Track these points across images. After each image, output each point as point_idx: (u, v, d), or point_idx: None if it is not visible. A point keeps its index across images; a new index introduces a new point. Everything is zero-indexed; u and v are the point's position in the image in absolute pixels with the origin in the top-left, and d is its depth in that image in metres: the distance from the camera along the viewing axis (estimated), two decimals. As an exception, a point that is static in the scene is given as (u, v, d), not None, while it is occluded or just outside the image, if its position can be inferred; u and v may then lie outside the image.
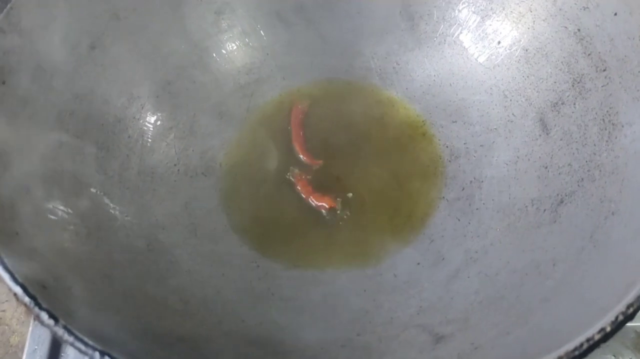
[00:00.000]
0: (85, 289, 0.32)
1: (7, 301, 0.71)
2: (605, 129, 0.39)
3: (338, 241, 0.44)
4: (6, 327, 0.69)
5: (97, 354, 0.26)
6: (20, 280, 0.28)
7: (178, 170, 0.47)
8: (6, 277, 0.28)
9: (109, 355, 0.26)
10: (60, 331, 0.27)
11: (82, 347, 0.26)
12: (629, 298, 0.27)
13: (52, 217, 0.35)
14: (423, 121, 0.50)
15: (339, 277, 0.42)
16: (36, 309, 0.27)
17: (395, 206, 0.46)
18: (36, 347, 0.45)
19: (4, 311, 0.69)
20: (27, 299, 0.27)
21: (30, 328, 0.45)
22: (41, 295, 0.28)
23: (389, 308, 0.39)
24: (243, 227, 0.45)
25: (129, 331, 0.31)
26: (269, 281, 0.42)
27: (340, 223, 0.45)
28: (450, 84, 0.50)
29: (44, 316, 0.27)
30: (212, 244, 0.44)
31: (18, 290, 0.28)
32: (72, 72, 0.42)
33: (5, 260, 0.29)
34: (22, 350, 0.67)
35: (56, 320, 0.27)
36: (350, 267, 0.43)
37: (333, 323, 0.39)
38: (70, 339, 0.27)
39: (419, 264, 0.42)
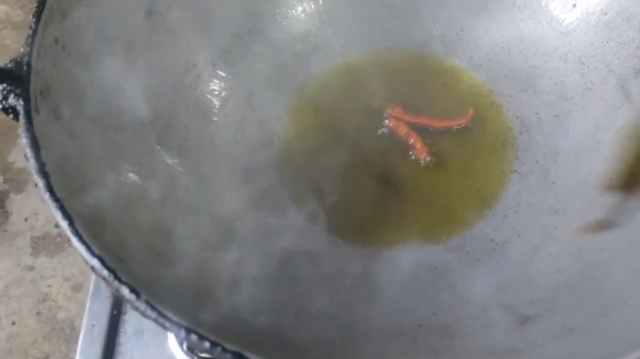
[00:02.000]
0: (156, 262, 0.31)
1: (52, 276, 0.70)
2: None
3: (406, 217, 0.42)
4: (52, 303, 0.69)
5: (182, 331, 0.25)
6: (97, 252, 0.26)
7: (236, 141, 0.45)
8: (82, 249, 0.27)
9: (195, 332, 0.25)
10: (142, 306, 0.25)
11: (166, 323, 0.25)
12: None
13: (119, 189, 0.34)
14: (490, 90, 0.47)
15: (408, 254, 0.40)
16: (116, 282, 0.26)
17: (464, 180, 0.43)
18: (94, 322, 0.44)
19: (50, 286, 0.69)
20: (105, 272, 0.26)
21: (88, 304, 0.45)
22: (120, 268, 0.26)
23: (464, 286, 0.38)
24: (304, 201, 0.43)
25: (204, 305, 0.29)
26: (336, 259, 0.40)
27: (409, 198, 0.43)
28: (520, 51, 0.47)
29: (125, 290, 0.26)
30: (273, 217, 0.42)
31: (95, 263, 0.26)
32: (129, 40, 0.40)
33: (80, 231, 0.27)
34: (69, 326, 0.67)
35: (138, 295, 0.25)
36: (420, 244, 0.41)
37: (405, 301, 0.37)
38: (154, 314, 0.25)
39: (492, 240, 0.40)
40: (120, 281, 0.26)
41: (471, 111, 0.46)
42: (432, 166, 0.44)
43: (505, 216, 0.41)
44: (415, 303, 0.37)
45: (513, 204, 0.42)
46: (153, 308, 0.25)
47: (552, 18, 0.46)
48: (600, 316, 0.31)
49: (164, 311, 0.25)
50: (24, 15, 0.91)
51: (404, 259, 0.40)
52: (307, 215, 0.42)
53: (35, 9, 0.34)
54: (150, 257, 0.32)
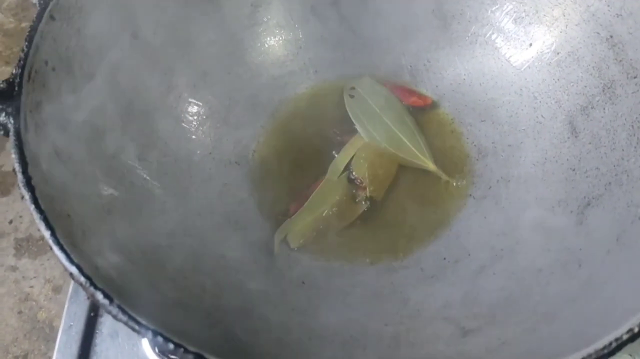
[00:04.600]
0: (131, 270, 0.34)
1: (34, 277, 0.73)
2: (634, 135, 0.40)
3: (367, 235, 0.45)
4: (33, 303, 0.71)
5: (150, 333, 0.28)
6: (76, 260, 0.29)
7: (213, 158, 0.48)
8: (62, 257, 0.30)
9: (161, 334, 0.28)
10: (114, 311, 0.28)
11: (136, 326, 0.28)
12: (658, 300, 0.28)
13: (100, 199, 0.37)
14: (452, 119, 0.51)
15: (367, 269, 0.44)
16: (91, 288, 0.29)
17: (424, 202, 0.47)
18: (72, 323, 0.46)
19: (31, 286, 0.71)
20: (82, 279, 0.29)
21: (66, 305, 0.47)
22: (95, 275, 0.29)
23: (416, 301, 0.41)
24: (274, 217, 0.46)
25: (175, 312, 0.32)
26: (299, 271, 0.43)
27: (371, 218, 0.46)
28: (480, 84, 0.51)
29: (99, 295, 0.29)
30: (245, 231, 0.45)
31: (74, 270, 0.29)
32: (115, 61, 0.43)
33: (61, 241, 0.30)
34: (48, 326, 0.70)
35: (111, 300, 0.28)
36: (378, 260, 0.44)
37: (361, 312, 0.40)
38: (124, 318, 0.28)
39: (444, 259, 0.44)
40: (96, 287, 0.29)
41: (430, 100, 0.51)
42: (397, 189, 0.48)
43: (458, 236, 0.45)
44: (369, 314, 0.40)
45: (466, 225, 0.45)
46: (124, 312, 0.28)
47: (510, 55, 0.50)
48: (531, 332, 0.34)
49: (134, 314, 0.28)
50: (16, 22, 0.93)
51: (363, 274, 0.43)
52: (275, 229, 0.45)
53: (27, 33, 0.37)
54: (126, 265, 0.35)
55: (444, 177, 0.47)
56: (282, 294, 0.41)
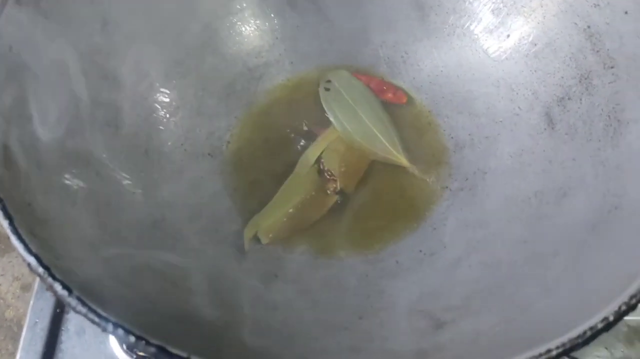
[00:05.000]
0: (96, 262, 0.33)
1: (2, 275, 0.71)
2: (611, 125, 0.40)
3: (342, 227, 0.44)
4: (1, 301, 0.69)
5: (110, 326, 0.27)
6: (34, 250, 0.28)
7: (185, 150, 0.47)
8: (20, 247, 0.28)
9: (122, 327, 0.26)
10: (73, 302, 0.27)
11: (95, 318, 0.27)
12: (632, 288, 0.27)
13: (63, 190, 0.35)
14: (429, 111, 0.50)
15: (341, 262, 0.43)
16: (50, 279, 0.27)
17: (400, 194, 0.46)
18: (37, 320, 0.45)
19: None
20: (40, 269, 0.28)
21: (32, 302, 0.46)
22: (55, 266, 0.28)
23: (391, 293, 0.40)
24: (248, 209, 0.45)
25: (139, 305, 0.31)
26: (272, 263, 0.42)
27: (347, 210, 0.45)
28: (458, 76, 0.50)
29: (58, 286, 0.27)
30: (217, 224, 0.44)
31: (32, 260, 0.28)
32: (84, 49, 0.42)
33: (19, 230, 0.29)
34: (16, 324, 0.68)
35: (70, 291, 0.27)
36: (353, 252, 0.43)
37: (335, 306, 0.40)
38: (84, 310, 0.27)
39: (420, 251, 0.43)
40: (54, 278, 0.28)
41: (405, 98, 0.50)
42: (372, 181, 0.47)
43: (435, 229, 0.44)
44: (344, 307, 0.39)
45: (442, 218, 0.45)
46: (83, 304, 0.27)
47: (488, 47, 0.49)
48: (506, 323, 0.33)
49: (94, 306, 0.27)
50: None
51: (339, 266, 0.43)
52: (248, 221, 0.44)
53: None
54: (89, 257, 0.33)
55: (418, 174, 0.46)
56: (254, 288, 0.40)
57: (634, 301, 0.27)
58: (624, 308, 0.27)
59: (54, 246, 0.31)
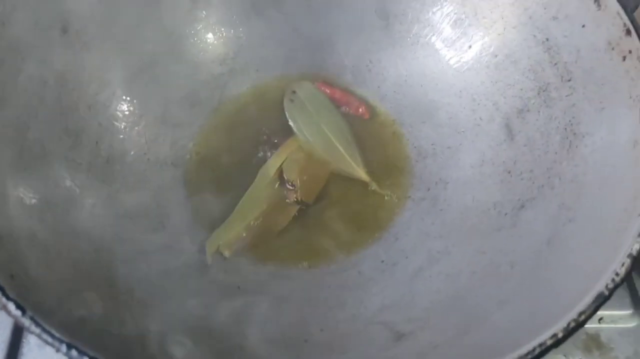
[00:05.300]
0: (52, 280, 0.32)
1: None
2: (567, 138, 0.41)
3: (304, 238, 0.44)
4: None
5: (64, 346, 0.26)
6: (-14, 270, 0.28)
7: (148, 159, 0.46)
8: (-29, 267, 0.28)
9: (75, 348, 0.26)
10: (27, 323, 0.27)
11: (49, 339, 0.27)
12: (581, 305, 0.28)
13: (19, 204, 0.35)
14: (393, 120, 0.51)
15: (304, 273, 0.43)
16: (3, 299, 0.27)
17: (362, 204, 0.46)
18: (-4, 334, 0.44)
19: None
20: (-7, 290, 0.27)
21: (-9, 314, 0.45)
22: (9, 285, 0.28)
23: (352, 305, 0.40)
24: (211, 220, 0.45)
25: (94, 325, 0.31)
26: (235, 275, 0.42)
27: (308, 220, 0.45)
28: (421, 85, 0.51)
29: (12, 306, 0.27)
30: (179, 236, 0.44)
31: (-16, 280, 0.28)
32: (43, 56, 0.42)
33: (-29, 249, 0.28)
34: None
35: (23, 311, 0.27)
36: (315, 263, 0.43)
37: (297, 317, 0.40)
38: (37, 330, 0.27)
39: (383, 261, 0.43)
40: (8, 298, 0.27)
41: (368, 115, 0.51)
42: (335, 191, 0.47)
43: (397, 239, 0.45)
44: (305, 319, 0.40)
45: (404, 228, 0.45)
46: (37, 324, 0.27)
47: (450, 57, 0.50)
48: (462, 334, 0.34)
49: (47, 327, 0.27)
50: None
51: (301, 278, 0.43)
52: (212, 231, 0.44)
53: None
54: (46, 274, 0.33)
55: (377, 189, 0.47)
56: (217, 301, 0.40)
57: (582, 317, 0.28)
58: (572, 324, 0.28)
59: (7, 263, 0.30)
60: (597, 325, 0.45)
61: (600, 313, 0.29)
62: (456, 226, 0.43)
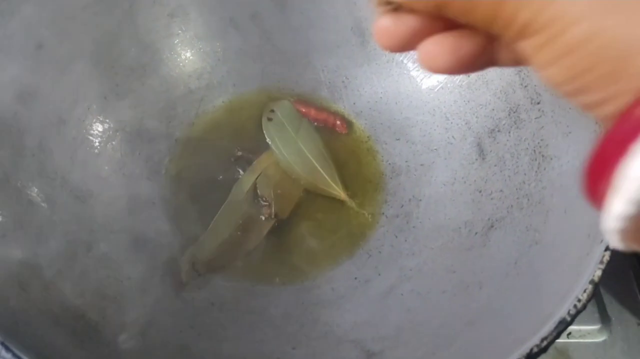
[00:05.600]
0: (25, 299, 0.32)
1: None
2: (536, 159, 0.42)
3: (277, 254, 0.45)
4: None
5: None
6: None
7: (123, 174, 0.46)
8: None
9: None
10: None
11: (17, 363, 0.27)
12: (544, 331, 0.29)
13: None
14: (368, 137, 0.52)
15: (277, 289, 0.43)
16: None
17: (336, 220, 0.47)
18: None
19: None
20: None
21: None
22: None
23: (325, 322, 0.41)
24: (187, 235, 0.45)
25: (67, 348, 0.31)
26: (209, 292, 0.42)
27: (283, 236, 0.46)
28: (396, 102, 0.52)
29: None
30: (154, 251, 0.44)
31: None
32: (17, 71, 0.41)
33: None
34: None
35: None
36: (289, 280, 0.44)
37: (270, 335, 0.40)
38: (8, 356, 0.27)
39: (356, 278, 0.44)
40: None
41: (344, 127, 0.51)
42: (309, 207, 0.48)
43: (370, 256, 0.45)
44: (278, 336, 0.40)
45: (378, 244, 0.46)
46: (8, 350, 0.27)
47: (424, 76, 0.51)
48: (430, 355, 0.35)
49: (18, 352, 0.27)
50: None
51: (274, 294, 0.43)
52: (187, 249, 0.44)
53: None
54: (19, 294, 0.33)
55: (356, 207, 0.47)
56: (190, 317, 0.40)
57: (544, 343, 0.29)
58: (535, 349, 0.28)
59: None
60: (566, 340, 0.46)
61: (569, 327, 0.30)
62: (428, 244, 0.44)
